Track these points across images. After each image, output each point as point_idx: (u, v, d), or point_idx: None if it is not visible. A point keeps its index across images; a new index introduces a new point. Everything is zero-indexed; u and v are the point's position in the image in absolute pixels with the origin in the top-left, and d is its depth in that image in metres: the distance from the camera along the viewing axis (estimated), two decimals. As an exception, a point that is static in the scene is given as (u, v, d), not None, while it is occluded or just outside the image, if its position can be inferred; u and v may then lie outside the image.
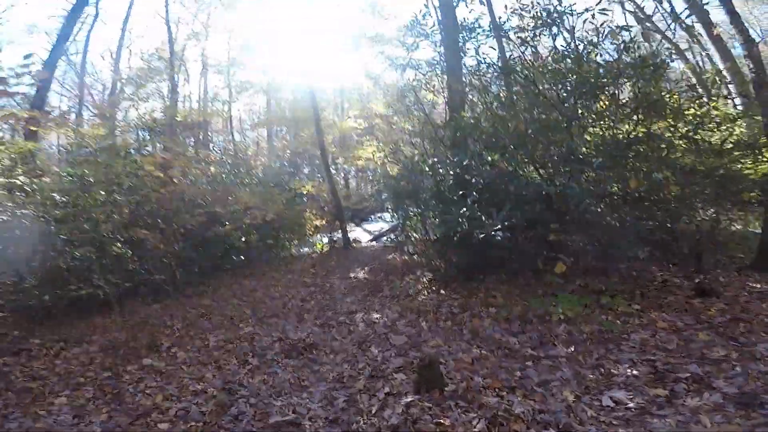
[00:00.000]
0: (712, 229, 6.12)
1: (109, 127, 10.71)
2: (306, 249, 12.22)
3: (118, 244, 6.23)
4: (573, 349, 3.62)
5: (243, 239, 9.29)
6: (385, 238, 16.07)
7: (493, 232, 4.49)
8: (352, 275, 7.55)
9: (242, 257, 9.48)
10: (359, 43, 12.34)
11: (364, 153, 14.17)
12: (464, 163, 5.55)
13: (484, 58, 6.67)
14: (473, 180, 5.51)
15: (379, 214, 20.12)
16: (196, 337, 4.96)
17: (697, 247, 5.74)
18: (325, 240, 12.10)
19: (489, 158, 5.78)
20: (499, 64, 6.65)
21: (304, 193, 13.26)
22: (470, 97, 8.37)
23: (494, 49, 8.15)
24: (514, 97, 6.41)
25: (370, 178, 23.12)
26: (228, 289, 7.07)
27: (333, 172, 11.33)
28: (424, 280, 6.28)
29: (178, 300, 6.63)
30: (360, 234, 16.66)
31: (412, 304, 5.19)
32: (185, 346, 4.70)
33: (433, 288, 5.80)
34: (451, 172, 5.95)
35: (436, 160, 6.50)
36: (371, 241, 15.49)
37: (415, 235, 7.87)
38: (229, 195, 8.35)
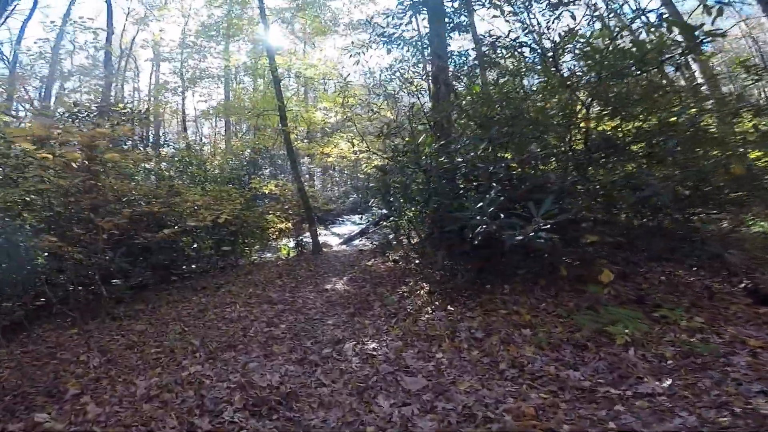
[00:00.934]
0: (736, 228, 5.44)
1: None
2: (269, 255, 10.68)
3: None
4: (670, 383, 2.56)
5: (195, 245, 7.67)
6: (357, 240, 14.92)
7: (532, 233, 3.34)
8: (328, 287, 6.19)
9: (194, 267, 7.83)
10: (333, 27, 10.99)
11: (335, 149, 12.79)
12: (480, 149, 4.41)
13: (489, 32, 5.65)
14: (492, 169, 4.37)
15: (347, 217, 18.80)
16: (118, 379, 3.45)
17: (723, 247, 4.97)
18: (292, 244, 10.61)
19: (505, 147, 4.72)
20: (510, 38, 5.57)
21: (266, 192, 11.69)
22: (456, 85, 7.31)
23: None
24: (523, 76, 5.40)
25: (337, 179, 21.71)
26: (171, 308, 5.49)
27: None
28: (422, 292, 5.06)
29: (104, 323, 5.02)
30: (329, 238, 15.25)
31: (416, 327, 3.94)
32: (101, 394, 3.21)
33: (437, 302, 4.58)
34: (460, 160, 4.79)
35: (437, 146, 5.31)
36: (341, 244, 14.15)
37: (405, 237, 6.66)
38: (175, 193, 6.75)
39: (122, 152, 8.27)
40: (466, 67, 6.67)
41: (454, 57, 9.19)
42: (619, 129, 4.52)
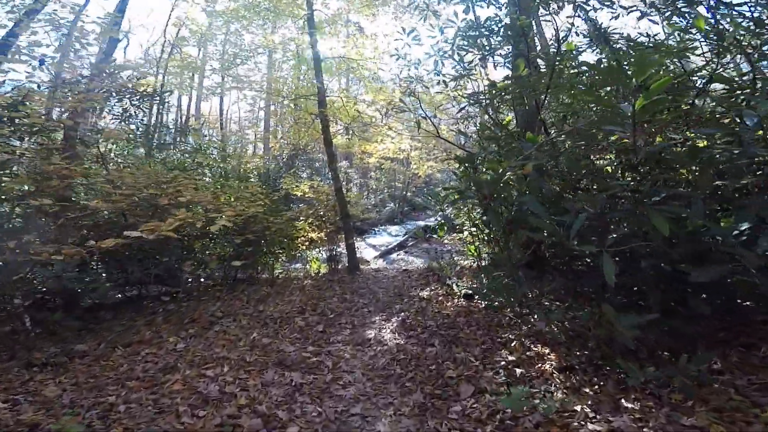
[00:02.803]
0: None
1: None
2: (298, 266, 8.61)
3: None
4: None
5: (192, 254, 5.66)
6: (395, 254, 12.67)
7: None
8: (371, 334, 3.94)
9: (189, 282, 5.83)
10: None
11: (381, 145, 10.60)
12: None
13: None
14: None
15: (383, 227, 16.61)
16: None
17: None
18: (323, 256, 8.49)
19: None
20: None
21: (298, 195, 9.68)
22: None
23: None
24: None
25: (374, 186, 19.59)
26: (126, 357, 3.41)
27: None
28: (548, 367, 2.71)
29: (8, 374, 3.03)
30: (364, 250, 13.09)
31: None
32: None
33: (589, 389, 2.24)
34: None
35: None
36: (378, 258, 11.97)
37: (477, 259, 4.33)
38: (156, 183, 4.74)
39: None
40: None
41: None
42: None
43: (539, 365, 2.81)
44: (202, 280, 6.59)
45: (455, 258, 7.28)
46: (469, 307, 4.28)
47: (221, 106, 18.26)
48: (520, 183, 2.72)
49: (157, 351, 3.55)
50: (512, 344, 3.22)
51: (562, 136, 3.54)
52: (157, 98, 7.45)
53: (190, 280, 5.80)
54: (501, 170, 2.41)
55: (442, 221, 8.48)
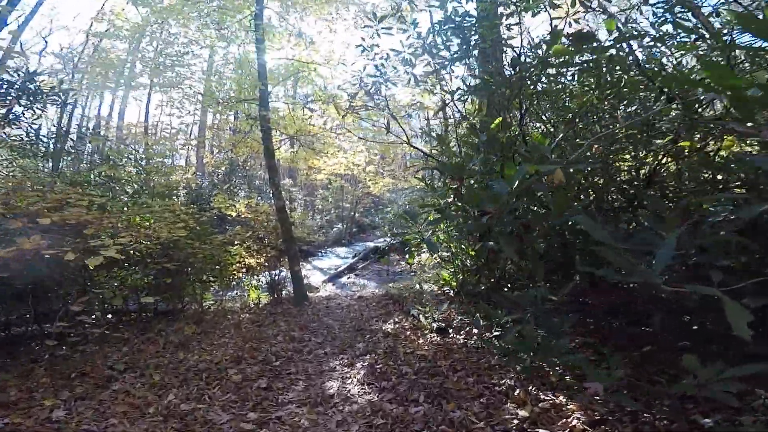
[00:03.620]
0: None
1: None
2: (234, 295, 7.34)
3: None
4: None
5: (92, 287, 4.34)
6: (345, 278, 11.70)
7: None
8: (332, 386, 3.03)
9: (91, 321, 4.47)
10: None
11: (343, 160, 9.65)
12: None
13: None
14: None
15: (330, 249, 15.59)
16: None
17: None
18: (263, 283, 7.31)
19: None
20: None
21: (233, 216, 8.47)
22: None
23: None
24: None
25: (319, 206, 18.55)
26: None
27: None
28: (577, 423, 2.03)
29: None
30: (311, 273, 11.97)
31: None
32: None
33: None
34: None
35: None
36: (327, 282, 10.95)
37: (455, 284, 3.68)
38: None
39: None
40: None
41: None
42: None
43: (563, 420, 2.14)
44: (110, 316, 5.21)
45: (415, 283, 6.59)
46: (446, 345, 3.55)
47: (147, 113, 16.28)
48: (542, 197, 2.09)
49: (24, 421, 2.36)
50: (516, 393, 2.52)
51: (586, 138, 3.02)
52: (56, 98, 6.01)
53: (92, 318, 4.44)
54: (516, 180, 1.77)
55: (408, 245, 7.80)
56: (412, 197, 16.43)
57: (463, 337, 3.68)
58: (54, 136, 7.13)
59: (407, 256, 6.12)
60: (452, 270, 3.65)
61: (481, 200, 2.30)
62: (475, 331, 3.76)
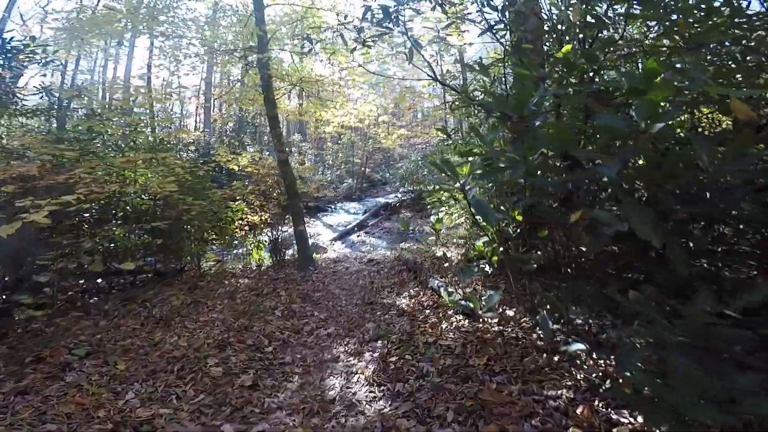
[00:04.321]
0: None
1: None
2: (237, 254, 6.80)
3: None
4: None
5: (67, 249, 3.72)
6: (355, 236, 11.09)
7: None
8: (334, 385, 2.39)
9: (74, 290, 3.94)
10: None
11: (353, 111, 8.60)
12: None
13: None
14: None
15: (340, 204, 14.92)
16: None
17: None
18: (266, 243, 6.68)
19: None
20: None
21: (233, 169, 7.70)
22: None
23: None
24: None
25: (330, 162, 17.64)
26: None
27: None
28: None
29: None
30: (320, 230, 11.40)
31: None
32: None
33: None
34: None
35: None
36: (336, 239, 10.37)
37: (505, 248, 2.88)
38: None
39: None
40: None
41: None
42: None
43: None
44: (100, 281, 4.69)
45: (431, 246, 5.86)
46: (477, 333, 2.84)
47: (149, 68, 15.14)
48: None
49: None
50: (580, 411, 1.82)
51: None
52: (31, 54, 5.16)
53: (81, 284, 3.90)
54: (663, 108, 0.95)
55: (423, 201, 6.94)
56: (428, 151, 15.38)
57: (497, 321, 2.96)
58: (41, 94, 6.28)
59: (434, 219, 5.35)
60: (488, 238, 2.89)
61: (570, 142, 1.46)
62: (510, 313, 3.04)
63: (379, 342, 2.92)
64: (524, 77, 2.07)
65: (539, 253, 2.49)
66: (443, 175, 1.88)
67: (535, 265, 2.46)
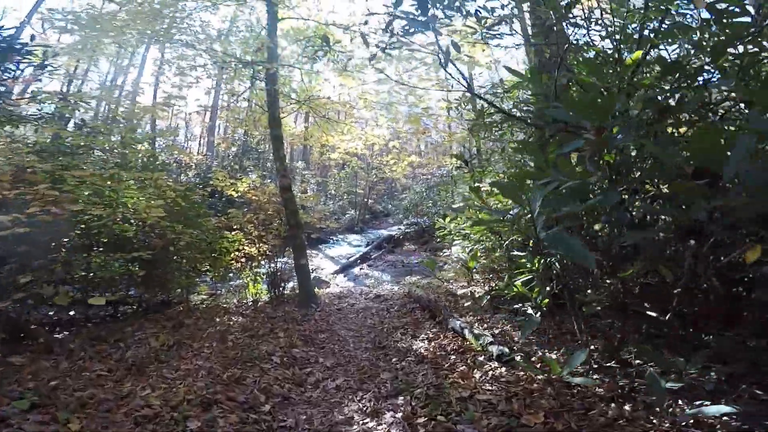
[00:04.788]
0: None
1: None
2: (235, 283, 6.28)
3: None
4: None
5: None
6: (357, 268, 10.56)
7: None
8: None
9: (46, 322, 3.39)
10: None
11: (364, 133, 8.20)
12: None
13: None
14: None
15: (341, 236, 14.47)
16: None
17: None
18: (264, 276, 6.13)
19: None
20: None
21: (231, 195, 7.30)
22: None
23: None
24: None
25: (332, 191, 17.35)
26: None
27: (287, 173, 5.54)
28: None
29: None
30: (322, 262, 10.88)
31: None
32: None
33: None
34: None
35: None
36: (338, 272, 9.87)
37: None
38: None
39: None
40: None
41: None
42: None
43: None
44: (72, 313, 4.17)
45: (443, 281, 5.35)
46: (520, 382, 2.30)
47: (156, 86, 15.13)
48: None
49: None
50: None
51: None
52: (28, 57, 4.89)
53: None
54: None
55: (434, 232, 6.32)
56: (433, 182, 15.12)
57: (540, 366, 2.44)
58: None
59: (456, 251, 4.82)
60: (532, 275, 2.39)
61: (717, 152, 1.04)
62: (553, 356, 2.52)
63: (401, 398, 2.38)
64: (590, 86, 1.69)
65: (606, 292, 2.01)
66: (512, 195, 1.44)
67: (598, 307, 1.99)
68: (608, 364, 2.23)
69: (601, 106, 1.37)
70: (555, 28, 3.16)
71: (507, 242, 2.99)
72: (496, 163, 4.99)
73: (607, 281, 2.03)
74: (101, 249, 4.32)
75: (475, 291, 4.31)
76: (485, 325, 3.41)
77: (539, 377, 2.31)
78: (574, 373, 1.98)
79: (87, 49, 7.72)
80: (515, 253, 2.69)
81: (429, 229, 12.84)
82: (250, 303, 5.33)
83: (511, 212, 1.62)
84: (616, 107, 1.40)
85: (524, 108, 3.40)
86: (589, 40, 2.73)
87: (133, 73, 15.98)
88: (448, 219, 6.11)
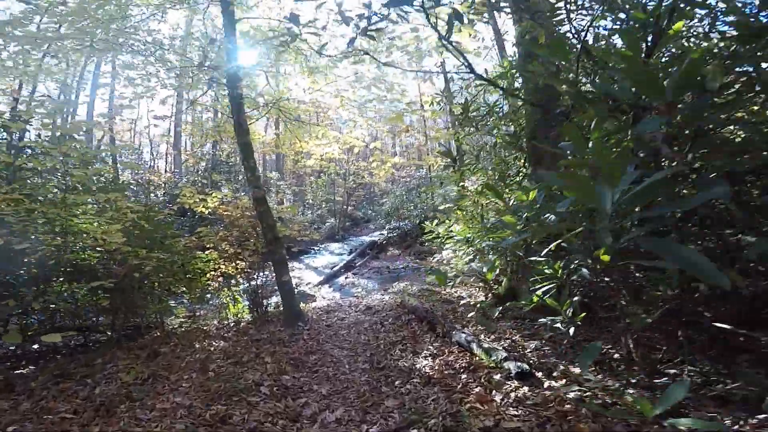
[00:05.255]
0: None
1: None
2: (215, 302, 5.88)
3: None
4: None
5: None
6: (342, 278, 10.22)
7: None
8: None
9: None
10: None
11: (341, 135, 7.84)
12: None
13: None
14: None
15: (322, 245, 14.08)
16: None
17: None
18: (244, 293, 5.71)
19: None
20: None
21: (202, 213, 6.83)
22: None
23: None
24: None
25: (310, 200, 16.91)
26: None
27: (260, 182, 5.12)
28: None
29: None
30: (305, 274, 10.50)
31: None
32: None
33: None
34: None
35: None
36: (323, 283, 9.53)
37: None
38: None
39: None
40: None
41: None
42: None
43: None
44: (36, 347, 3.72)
45: (436, 288, 5.11)
46: (547, 404, 2.07)
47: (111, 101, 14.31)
48: None
49: None
50: None
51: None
52: None
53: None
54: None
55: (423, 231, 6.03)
56: (413, 185, 14.95)
57: (564, 383, 2.21)
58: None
59: (447, 255, 4.60)
60: (553, 282, 2.14)
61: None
62: (576, 370, 2.30)
63: (413, 431, 2.09)
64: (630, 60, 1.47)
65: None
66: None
67: (649, 320, 1.77)
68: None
69: (675, 80, 1.15)
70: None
71: (512, 245, 2.78)
72: (483, 160, 4.81)
73: (659, 291, 1.81)
74: (61, 279, 3.92)
75: (476, 297, 4.08)
76: (492, 336, 3.18)
77: (564, 395, 2.07)
78: (672, 412, 1.58)
79: (19, 64, 7.02)
80: (533, 258, 2.45)
81: (411, 233, 12.66)
82: (232, 324, 4.92)
83: (553, 212, 1.36)
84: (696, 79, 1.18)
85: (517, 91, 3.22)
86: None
87: (86, 90, 15.06)
88: (435, 222, 5.90)
